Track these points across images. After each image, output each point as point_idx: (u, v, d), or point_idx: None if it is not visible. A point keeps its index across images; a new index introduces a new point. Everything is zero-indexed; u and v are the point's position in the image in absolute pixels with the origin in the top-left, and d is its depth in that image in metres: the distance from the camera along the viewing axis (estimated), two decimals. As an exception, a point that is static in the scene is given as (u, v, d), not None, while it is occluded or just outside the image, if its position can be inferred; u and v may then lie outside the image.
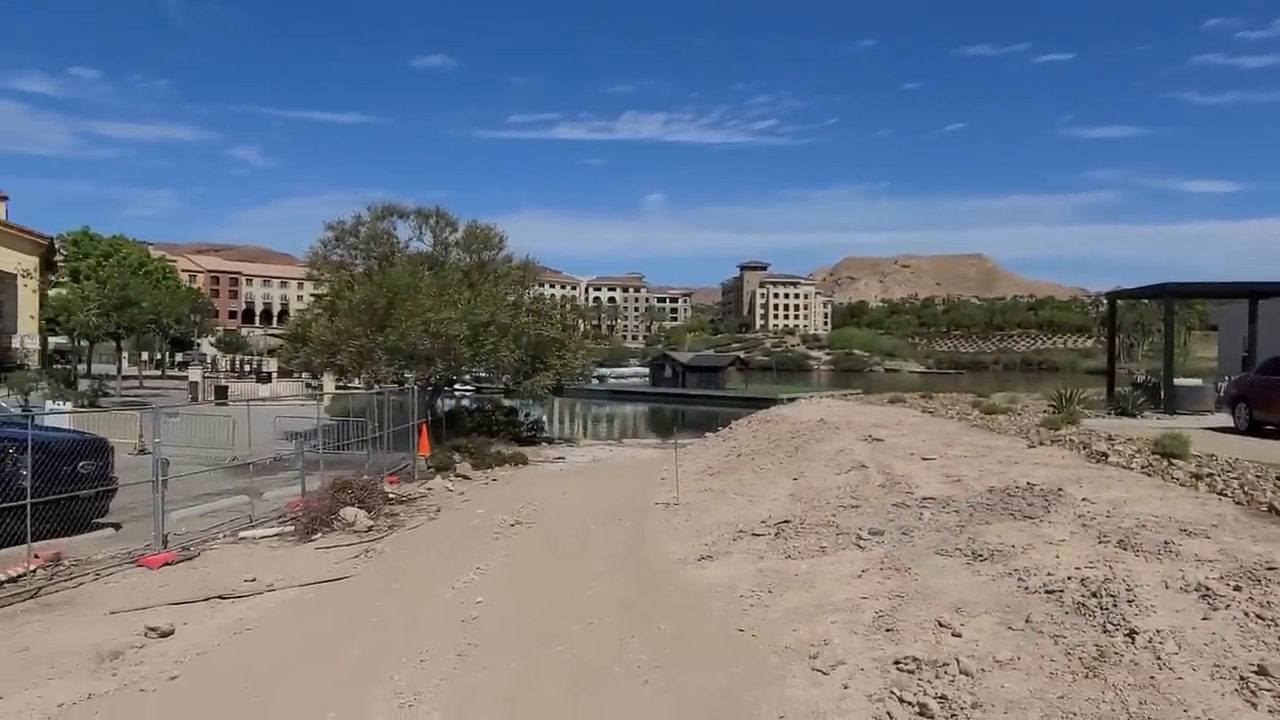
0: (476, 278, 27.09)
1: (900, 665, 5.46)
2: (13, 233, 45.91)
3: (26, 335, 43.48)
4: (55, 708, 5.90)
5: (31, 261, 44.95)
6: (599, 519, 12.81)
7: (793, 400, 33.58)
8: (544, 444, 27.59)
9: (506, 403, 30.51)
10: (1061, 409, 19.38)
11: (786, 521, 10.23)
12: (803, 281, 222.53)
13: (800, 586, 7.66)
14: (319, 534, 11.77)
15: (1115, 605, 5.86)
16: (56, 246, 52.62)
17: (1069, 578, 6.57)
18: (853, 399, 32.41)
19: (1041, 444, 13.77)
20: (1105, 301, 33.65)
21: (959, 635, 5.85)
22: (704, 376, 68.00)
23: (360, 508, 12.59)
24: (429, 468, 18.48)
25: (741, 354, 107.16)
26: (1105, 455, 12.10)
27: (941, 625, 6.03)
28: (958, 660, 5.35)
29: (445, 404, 28.95)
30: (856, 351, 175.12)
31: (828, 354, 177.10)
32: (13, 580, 9.03)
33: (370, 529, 12.10)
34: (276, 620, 7.97)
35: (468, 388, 35.05)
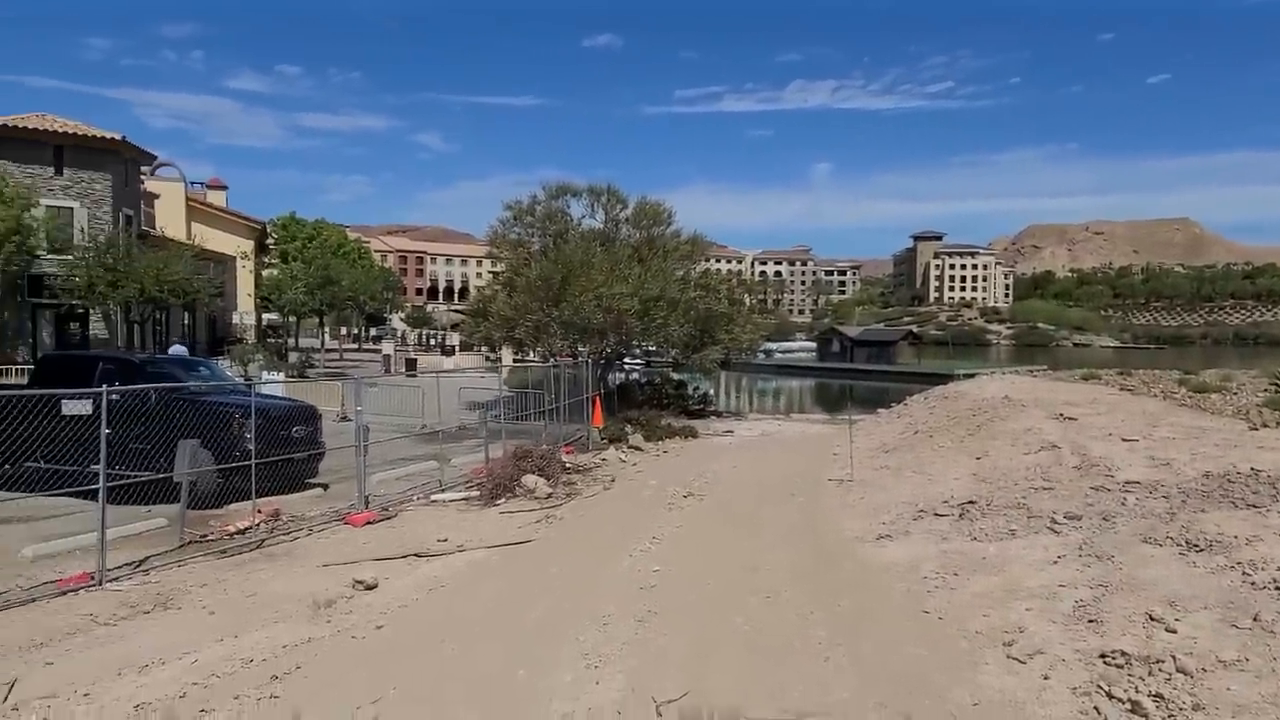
0: (646, 253, 27.38)
1: (1107, 659, 5.11)
2: (232, 219, 50.78)
3: (245, 312, 48.06)
4: (280, 648, 6.50)
5: (248, 245, 49.58)
6: (771, 493, 12.74)
7: (971, 376, 31.99)
8: (712, 417, 27.68)
9: (675, 376, 30.78)
10: (1288, 388, 17.39)
11: (971, 502, 9.78)
12: (981, 251, 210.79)
13: (989, 570, 7.31)
14: (502, 499, 12.35)
15: (1365, 607, 5.23)
16: (268, 231, 57.71)
17: (1305, 574, 5.92)
18: (1039, 375, 30.47)
19: (1265, 426, 12.43)
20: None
21: (1173, 631, 5.40)
22: (874, 351, 65.97)
23: (540, 476, 13.10)
24: (602, 439, 18.95)
25: (914, 328, 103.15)
26: (1345, 440, 10.78)
27: (1153, 619, 5.59)
28: (1174, 657, 4.94)
29: (616, 377, 29.59)
30: (1041, 325, 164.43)
31: (1008, 328, 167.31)
32: (241, 532, 10.04)
33: (549, 496, 12.57)
34: (467, 579, 8.44)
35: (638, 361, 35.65)
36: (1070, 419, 14.46)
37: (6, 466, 9.98)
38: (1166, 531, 7.38)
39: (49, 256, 30.54)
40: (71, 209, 32.32)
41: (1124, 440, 11.97)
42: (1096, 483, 9.70)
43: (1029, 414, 15.65)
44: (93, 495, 8.53)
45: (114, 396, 9.00)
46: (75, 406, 10.08)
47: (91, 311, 31.51)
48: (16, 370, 25.12)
